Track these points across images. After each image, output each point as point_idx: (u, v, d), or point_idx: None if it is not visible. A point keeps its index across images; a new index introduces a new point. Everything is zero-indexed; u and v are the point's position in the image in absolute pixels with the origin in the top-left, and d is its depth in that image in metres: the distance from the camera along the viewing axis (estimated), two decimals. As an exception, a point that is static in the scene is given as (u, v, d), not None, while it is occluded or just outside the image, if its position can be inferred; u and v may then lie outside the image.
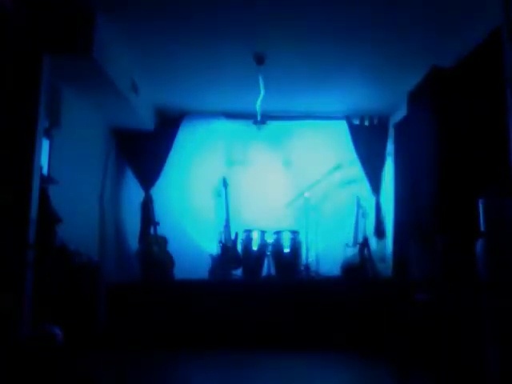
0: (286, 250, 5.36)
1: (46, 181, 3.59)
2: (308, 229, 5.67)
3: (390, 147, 5.82)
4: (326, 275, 5.39)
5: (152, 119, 5.65)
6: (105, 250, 5.24)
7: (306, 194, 5.71)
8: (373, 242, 5.55)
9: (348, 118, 5.89)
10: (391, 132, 5.84)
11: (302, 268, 5.47)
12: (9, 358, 2.87)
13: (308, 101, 5.58)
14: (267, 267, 5.46)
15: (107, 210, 5.42)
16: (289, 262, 5.38)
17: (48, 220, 3.42)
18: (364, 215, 5.81)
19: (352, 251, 5.39)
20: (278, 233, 5.44)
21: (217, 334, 4.66)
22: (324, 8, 3.53)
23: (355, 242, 5.50)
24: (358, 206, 5.79)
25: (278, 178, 5.95)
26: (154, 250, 5.32)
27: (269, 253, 5.45)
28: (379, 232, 5.72)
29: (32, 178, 3.22)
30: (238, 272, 5.45)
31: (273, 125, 5.92)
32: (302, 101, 5.58)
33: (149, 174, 5.73)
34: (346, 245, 5.54)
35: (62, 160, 4.06)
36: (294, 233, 5.46)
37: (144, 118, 5.33)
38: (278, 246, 5.39)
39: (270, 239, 5.46)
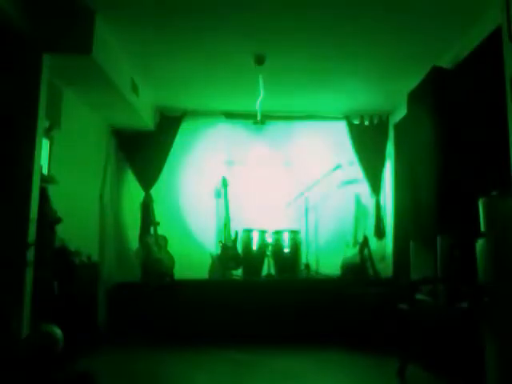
0: (286, 250, 5.37)
1: (46, 181, 3.59)
2: (308, 229, 5.67)
3: (389, 147, 5.83)
4: (325, 275, 5.39)
5: (152, 119, 5.65)
6: (105, 249, 5.25)
7: (306, 194, 5.71)
8: (373, 242, 5.55)
9: (348, 118, 5.89)
10: (391, 132, 5.85)
11: (302, 268, 5.47)
12: (9, 358, 2.87)
13: (308, 101, 5.58)
14: (267, 267, 5.47)
15: (107, 210, 5.42)
16: (289, 261, 5.39)
17: (48, 220, 3.42)
18: (364, 215, 5.81)
19: (352, 251, 5.40)
20: (277, 233, 5.45)
21: (217, 333, 4.66)
22: (324, 8, 3.53)
23: (355, 242, 5.50)
24: (358, 205, 5.79)
25: (277, 177, 5.94)
26: (153, 250, 5.33)
27: (269, 253, 5.45)
28: (379, 232, 5.72)
29: (32, 177, 3.22)
30: (238, 272, 5.45)
31: (273, 125, 5.93)
32: (302, 101, 5.58)
33: (149, 174, 5.72)
34: (346, 245, 5.54)
35: (62, 160, 4.06)
36: (294, 233, 5.46)
37: (144, 118, 5.33)
38: (277, 245, 5.39)
39: (269, 239, 5.46)
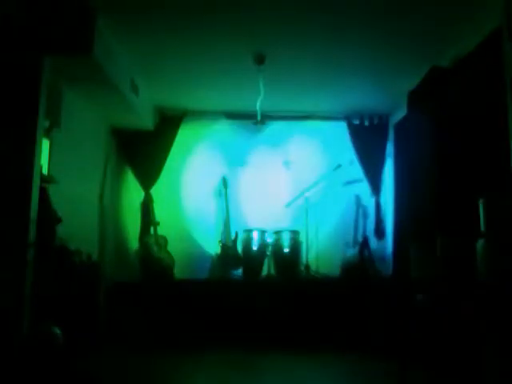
0: (286, 250, 5.37)
1: (46, 181, 3.59)
2: (308, 229, 5.67)
3: (389, 147, 5.83)
4: (325, 275, 5.39)
5: (152, 119, 5.65)
6: (105, 249, 5.25)
7: (306, 194, 5.71)
8: (373, 242, 5.55)
9: (348, 118, 5.89)
10: (391, 132, 5.85)
11: (302, 268, 5.47)
12: (9, 358, 2.87)
13: (308, 101, 5.58)
14: (267, 267, 5.47)
15: (107, 210, 5.42)
16: (289, 261, 5.38)
17: (48, 220, 3.42)
18: (364, 215, 5.81)
19: (352, 251, 5.39)
20: (278, 233, 5.44)
21: (217, 333, 4.66)
22: (324, 8, 3.54)
23: (355, 242, 5.50)
24: (358, 205, 5.79)
25: (277, 178, 5.94)
26: (153, 249, 5.33)
27: (269, 253, 5.45)
28: (379, 232, 5.72)
29: (32, 177, 3.22)
30: (238, 272, 5.45)
31: (273, 125, 5.93)
32: (302, 101, 5.58)
33: (149, 174, 5.72)
34: (346, 245, 5.54)
35: (62, 160, 4.06)
36: (294, 233, 5.46)
37: (144, 118, 5.33)
38: (277, 245, 5.39)
39: (269, 239, 5.46)
